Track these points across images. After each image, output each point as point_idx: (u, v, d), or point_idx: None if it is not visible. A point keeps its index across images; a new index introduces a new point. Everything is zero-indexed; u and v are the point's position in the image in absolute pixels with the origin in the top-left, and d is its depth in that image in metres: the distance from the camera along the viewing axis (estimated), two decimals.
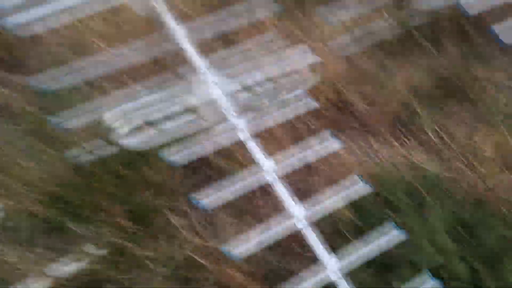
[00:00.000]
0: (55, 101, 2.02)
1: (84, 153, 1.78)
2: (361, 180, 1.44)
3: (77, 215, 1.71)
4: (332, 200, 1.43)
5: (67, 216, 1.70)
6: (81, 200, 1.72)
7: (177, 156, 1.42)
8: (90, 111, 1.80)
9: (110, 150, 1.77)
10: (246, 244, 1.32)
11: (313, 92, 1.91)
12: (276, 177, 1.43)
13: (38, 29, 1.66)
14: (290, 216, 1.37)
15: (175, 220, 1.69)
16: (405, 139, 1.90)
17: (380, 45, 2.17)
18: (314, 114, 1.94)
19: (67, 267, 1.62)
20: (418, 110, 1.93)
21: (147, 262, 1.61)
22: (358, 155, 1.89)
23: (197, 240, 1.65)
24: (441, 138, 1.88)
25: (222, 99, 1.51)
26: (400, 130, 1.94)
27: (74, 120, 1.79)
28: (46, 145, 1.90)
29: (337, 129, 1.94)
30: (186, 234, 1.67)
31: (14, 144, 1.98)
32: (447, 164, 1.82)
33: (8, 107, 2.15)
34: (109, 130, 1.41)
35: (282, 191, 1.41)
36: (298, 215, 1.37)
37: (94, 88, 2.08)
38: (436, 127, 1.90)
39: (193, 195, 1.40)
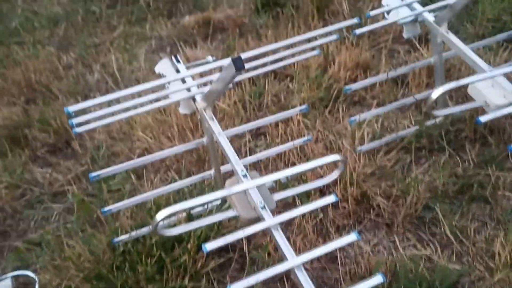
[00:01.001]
0: (106, 191, 2.31)
1: (130, 239, 2.02)
2: (382, 276, 1.60)
3: None
4: None
5: None
6: (123, 281, 1.95)
7: (211, 247, 1.63)
8: (137, 200, 2.08)
9: (153, 237, 2.02)
10: None
11: (337, 188, 2.15)
12: (298, 266, 1.61)
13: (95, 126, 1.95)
14: None
15: None
16: (426, 239, 2.08)
17: (403, 148, 2.40)
18: (336, 205, 2.16)
19: None
20: (439, 212, 2.11)
21: None
22: (379, 251, 2.07)
23: None
24: (461, 241, 2.05)
25: (254, 194, 1.74)
26: (420, 229, 2.12)
27: (120, 205, 2.07)
28: (97, 230, 2.17)
29: (359, 222, 2.15)
30: None
31: (67, 228, 2.25)
32: (464, 262, 1.99)
33: (65, 194, 2.45)
34: (157, 228, 1.64)
35: (304, 280, 1.60)
36: None
37: (139, 175, 2.37)
38: (456, 230, 2.08)
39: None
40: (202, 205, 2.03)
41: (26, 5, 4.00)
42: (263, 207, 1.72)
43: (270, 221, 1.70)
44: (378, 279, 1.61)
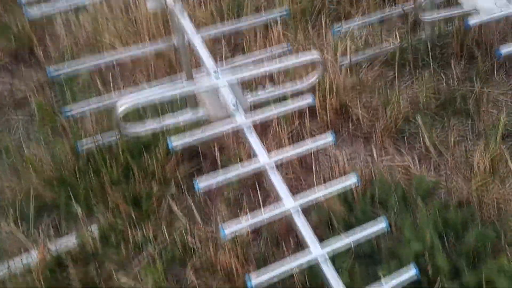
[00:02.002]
0: (68, 93, 2.24)
1: (93, 142, 1.97)
2: (355, 174, 1.58)
3: (81, 198, 1.89)
4: (324, 192, 1.58)
5: (72, 199, 1.89)
6: (86, 185, 1.90)
7: (177, 143, 1.59)
8: (101, 102, 2.01)
9: (117, 139, 1.96)
10: (237, 225, 1.48)
11: (316, 95, 2.10)
12: (271, 167, 1.58)
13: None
14: (281, 203, 1.52)
15: (171, 205, 1.86)
16: (404, 150, 2.06)
17: (386, 62, 2.35)
18: (314, 115, 2.12)
19: (67, 243, 1.79)
20: (420, 124, 2.08)
21: (139, 242, 1.78)
22: (355, 157, 2.05)
23: (191, 224, 1.82)
24: (440, 152, 2.03)
25: (226, 93, 1.68)
26: (399, 141, 2.09)
27: (85, 111, 2.00)
28: (58, 135, 2.10)
29: (337, 132, 2.11)
30: (182, 218, 1.83)
31: (28, 133, 2.19)
32: (442, 174, 1.97)
33: (24, 99, 2.37)
34: (118, 120, 1.58)
35: (276, 181, 1.57)
36: (289, 203, 1.52)
37: (106, 82, 2.29)
38: (436, 141, 2.06)
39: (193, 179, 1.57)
40: (167, 99, 1.92)
41: None
42: (235, 106, 1.67)
43: (242, 120, 1.66)
44: (352, 179, 1.59)
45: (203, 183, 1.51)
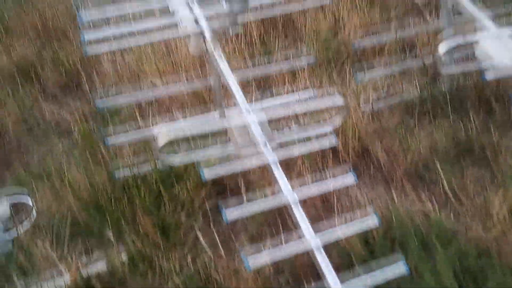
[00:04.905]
0: (108, 121, 2.22)
1: (129, 171, 1.93)
2: (375, 215, 1.51)
3: (114, 224, 1.84)
4: (346, 230, 1.50)
5: (105, 223, 1.83)
6: (119, 211, 1.85)
7: (209, 174, 1.53)
8: (138, 131, 1.98)
9: (152, 169, 1.92)
10: (260, 258, 1.40)
11: (339, 137, 2.03)
12: (295, 202, 1.51)
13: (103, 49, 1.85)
14: (303, 237, 1.45)
15: (198, 236, 1.79)
16: (424, 195, 1.97)
17: (407, 109, 2.28)
18: (337, 156, 2.05)
19: (98, 267, 1.73)
20: (438, 169, 2.00)
21: (165, 270, 1.71)
22: (374, 198, 1.96)
23: (215, 256, 1.75)
24: (460, 200, 1.94)
25: (256, 130, 1.63)
26: (419, 186, 2.00)
27: (122, 138, 1.97)
28: (97, 162, 2.07)
29: (358, 174, 2.03)
30: (207, 250, 1.76)
31: (69, 159, 2.16)
32: (461, 221, 1.87)
33: (69, 127, 2.36)
34: (157, 151, 1.55)
35: (300, 216, 1.50)
36: (311, 237, 1.45)
37: (144, 115, 2.27)
38: (455, 188, 1.96)
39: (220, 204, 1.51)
40: (203, 135, 1.89)
41: None
42: (264, 143, 1.61)
43: (270, 156, 1.60)
44: (373, 220, 1.50)
45: (231, 214, 1.45)
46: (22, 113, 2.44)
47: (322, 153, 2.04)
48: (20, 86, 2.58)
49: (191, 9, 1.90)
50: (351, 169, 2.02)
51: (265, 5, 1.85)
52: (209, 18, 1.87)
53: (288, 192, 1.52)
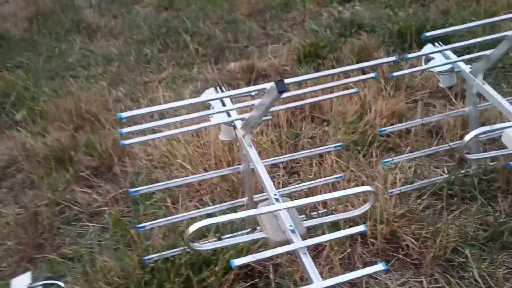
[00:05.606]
0: (139, 205, 2.31)
1: (159, 256, 2.00)
2: None
3: None
4: None
5: None
6: None
7: (239, 263, 1.60)
8: (170, 220, 2.06)
9: (183, 257, 1.99)
10: None
11: (367, 224, 2.09)
12: None
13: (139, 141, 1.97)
14: None
15: None
16: (453, 280, 1.98)
17: (434, 193, 2.34)
18: (365, 240, 2.10)
19: None
20: (469, 256, 2.03)
21: None
22: (404, 284, 1.98)
23: None
24: (490, 286, 1.95)
25: (284, 217, 1.70)
26: (448, 271, 2.03)
27: (153, 224, 2.06)
28: (127, 246, 2.15)
29: (386, 259, 2.07)
30: None
31: (100, 241, 2.25)
32: None
33: (100, 210, 2.46)
34: (187, 240, 1.62)
35: None
36: None
37: (175, 200, 2.36)
38: (485, 274, 1.98)
39: None
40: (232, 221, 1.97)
41: (83, 45, 4.18)
42: (293, 230, 1.68)
43: (299, 244, 1.66)
44: None
45: None
46: (55, 196, 2.56)
47: (351, 236, 2.09)
48: (53, 169, 2.72)
49: (223, 103, 2.04)
50: (380, 254, 2.07)
51: (294, 95, 1.98)
52: (239, 111, 2.01)
53: (318, 281, 1.57)
